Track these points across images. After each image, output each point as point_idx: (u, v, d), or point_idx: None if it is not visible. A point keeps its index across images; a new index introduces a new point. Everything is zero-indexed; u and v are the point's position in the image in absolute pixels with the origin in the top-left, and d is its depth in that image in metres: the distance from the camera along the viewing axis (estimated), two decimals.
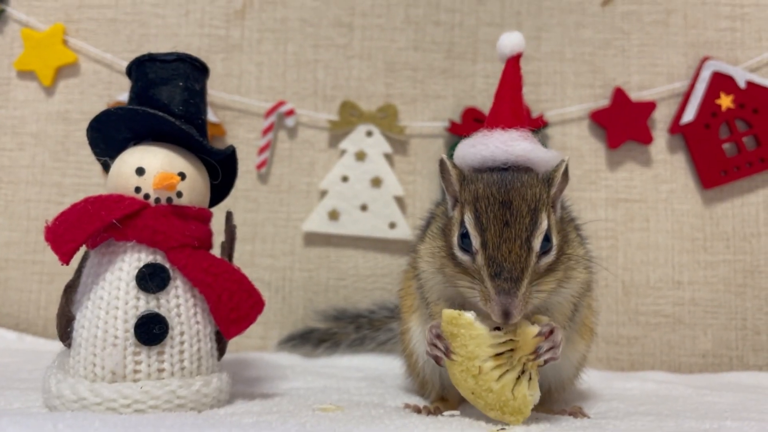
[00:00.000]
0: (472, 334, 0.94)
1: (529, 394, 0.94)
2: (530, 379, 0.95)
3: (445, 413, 1.03)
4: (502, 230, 0.93)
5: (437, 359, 0.99)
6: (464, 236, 0.97)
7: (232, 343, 1.72)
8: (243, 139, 1.78)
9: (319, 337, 1.66)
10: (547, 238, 0.96)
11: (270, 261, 1.77)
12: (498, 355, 0.94)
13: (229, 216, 1.14)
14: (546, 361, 0.96)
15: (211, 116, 1.75)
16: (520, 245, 0.92)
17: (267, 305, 1.72)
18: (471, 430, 0.91)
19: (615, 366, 1.71)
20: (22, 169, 1.79)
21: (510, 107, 1.07)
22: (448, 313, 0.96)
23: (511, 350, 0.94)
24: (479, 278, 0.94)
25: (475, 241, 0.95)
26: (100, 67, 1.80)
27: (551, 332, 0.96)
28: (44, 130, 1.80)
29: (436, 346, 0.98)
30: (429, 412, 1.04)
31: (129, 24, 1.82)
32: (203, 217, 1.08)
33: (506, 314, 0.91)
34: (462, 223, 0.98)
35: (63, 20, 1.80)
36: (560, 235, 1.00)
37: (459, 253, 0.98)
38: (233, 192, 1.75)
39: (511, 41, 1.11)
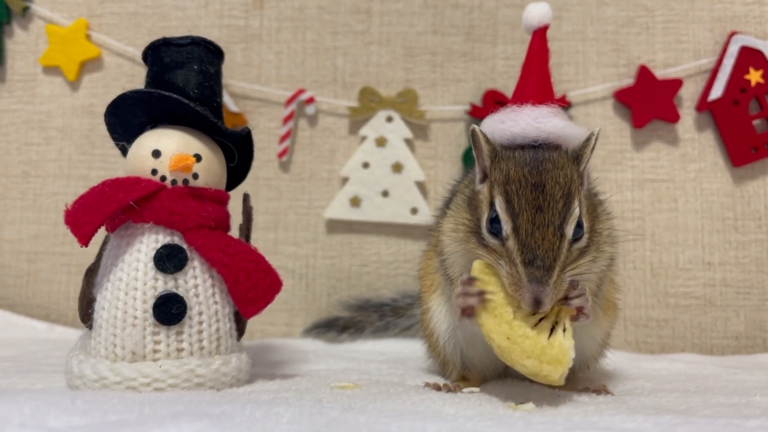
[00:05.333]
0: None
1: (566, 343, 0.90)
2: (565, 330, 0.92)
3: (465, 390, 1.02)
4: (535, 216, 0.91)
5: (469, 310, 0.96)
6: (494, 220, 0.95)
7: (258, 330, 1.75)
8: (264, 129, 1.79)
9: (343, 324, 1.66)
10: (579, 224, 0.94)
11: (293, 249, 1.78)
12: None
13: (246, 198, 1.14)
14: (578, 312, 0.94)
15: (232, 106, 1.76)
16: (553, 232, 0.90)
17: (291, 293, 1.76)
18: (489, 406, 0.90)
19: (644, 349, 1.68)
20: (49, 163, 1.83)
21: (538, 81, 1.05)
22: (479, 261, 0.96)
23: None
24: (510, 263, 0.92)
25: (507, 227, 0.92)
26: (123, 61, 1.83)
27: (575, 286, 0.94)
28: (70, 124, 1.83)
29: (467, 294, 0.95)
30: (449, 390, 1.03)
31: (150, 17, 1.84)
32: (220, 199, 1.08)
33: (537, 302, 0.89)
34: (492, 205, 0.96)
35: (86, 15, 1.83)
36: (590, 215, 0.97)
37: (487, 236, 0.96)
38: (255, 181, 1.78)
39: (538, 12, 1.07)
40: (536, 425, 0.75)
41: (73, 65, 1.81)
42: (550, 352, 0.90)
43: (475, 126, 1.01)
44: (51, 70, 1.84)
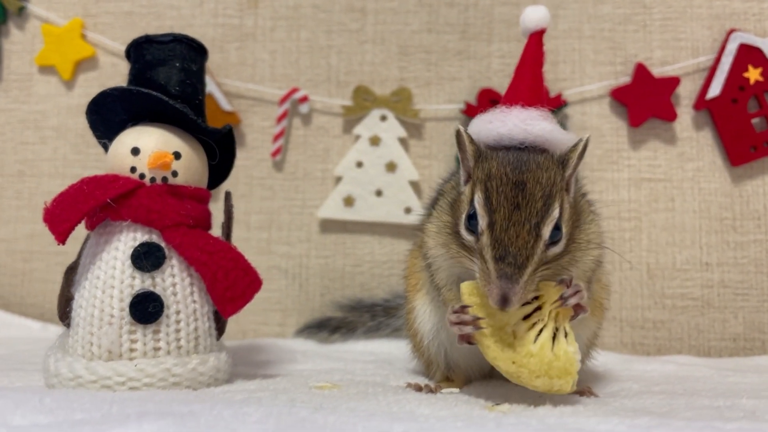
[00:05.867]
0: None
1: (571, 350, 0.90)
2: (566, 335, 0.91)
3: (444, 390, 1.00)
4: (512, 213, 0.89)
5: (468, 338, 0.94)
6: (471, 217, 0.93)
7: (251, 330, 1.75)
8: (258, 128, 1.78)
9: (335, 324, 1.65)
10: (557, 227, 0.91)
11: (286, 248, 1.77)
12: (527, 317, 0.91)
13: (227, 196, 1.13)
14: (576, 311, 0.93)
15: (226, 105, 1.75)
16: (529, 230, 0.89)
17: (284, 293, 1.75)
18: (465, 407, 0.88)
19: (640, 351, 1.66)
20: (44, 162, 1.83)
21: (530, 84, 1.03)
22: (467, 284, 0.94)
23: (539, 308, 0.92)
24: (482, 259, 0.90)
25: (482, 221, 0.91)
26: (118, 60, 1.83)
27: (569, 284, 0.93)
28: (65, 124, 1.83)
29: (462, 322, 0.93)
30: (429, 391, 1.02)
31: (145, 16, 1.83)
32: (200, 197, 1.07)
33: (504, 300, 0.87)
34: (471, 201, 0.94)
35: (81, 15, 1.83)
36: (571, 221, 0.95)
37: (464, 233, 0.94)
38: (249, 180, 1.77)
39: (536, 15, 1.06)
40: (507, 426, 0.73)
41: (68, 65, 1.82)
42: (557, 365, 0.89)
43: (460, 127, 0.99)
44: (46, 69, 1.84)
